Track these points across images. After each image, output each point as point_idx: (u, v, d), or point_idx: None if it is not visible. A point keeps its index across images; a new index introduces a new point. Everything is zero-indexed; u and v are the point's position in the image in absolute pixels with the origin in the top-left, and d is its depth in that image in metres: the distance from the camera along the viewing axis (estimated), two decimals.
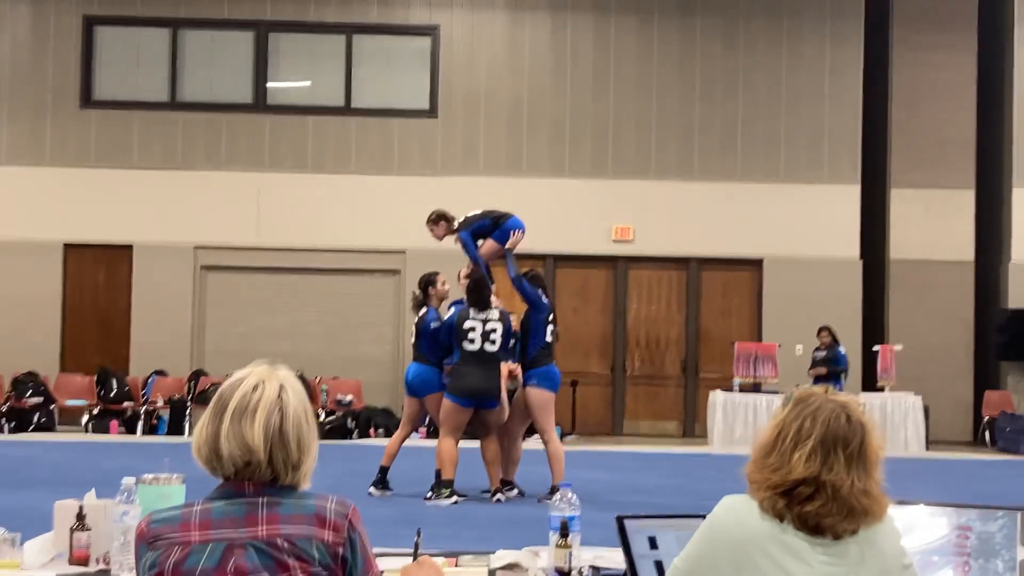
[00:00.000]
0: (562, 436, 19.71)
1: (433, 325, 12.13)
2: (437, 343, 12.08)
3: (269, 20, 22.09)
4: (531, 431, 13.39)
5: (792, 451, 3.32)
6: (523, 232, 12.62)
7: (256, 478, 3.17)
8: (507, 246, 12.58)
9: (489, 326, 11.88)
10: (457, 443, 11.89)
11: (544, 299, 12.33)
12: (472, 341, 11.83)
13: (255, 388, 3.20)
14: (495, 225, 12.61)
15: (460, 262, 12.83)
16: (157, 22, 22.09)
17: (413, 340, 12.39)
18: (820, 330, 20.40)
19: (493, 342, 11.86)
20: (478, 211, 12.86)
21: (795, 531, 3.29)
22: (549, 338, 12.26)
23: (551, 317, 12.34)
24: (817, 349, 20.42)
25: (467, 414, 11.89)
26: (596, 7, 22.13)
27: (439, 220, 12.72)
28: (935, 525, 4.06)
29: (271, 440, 3.15)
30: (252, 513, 3.14)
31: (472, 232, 12.57)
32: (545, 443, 12.12)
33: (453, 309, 12.16)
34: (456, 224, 12.67)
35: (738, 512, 3.37)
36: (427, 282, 12.42)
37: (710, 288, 22.33)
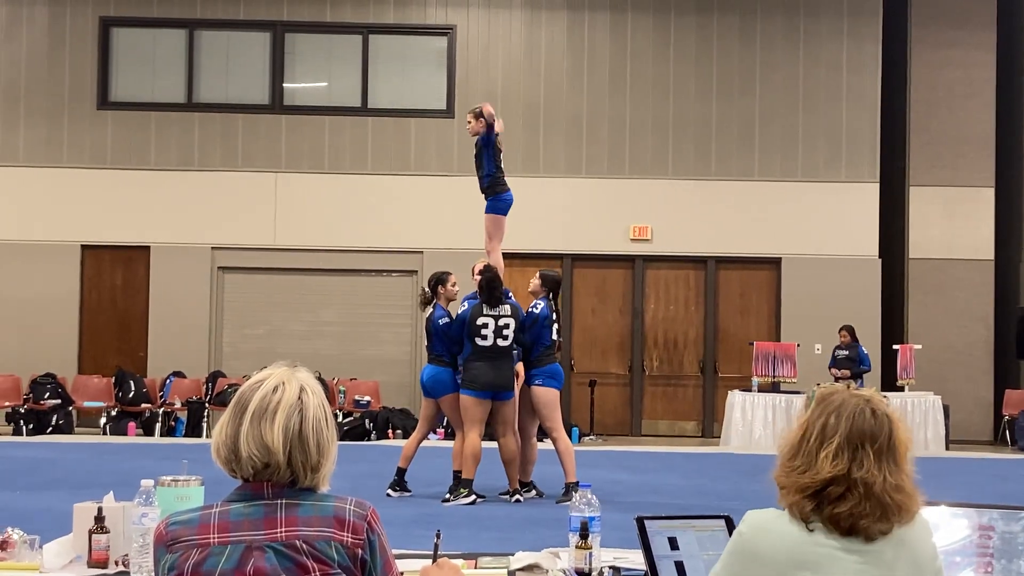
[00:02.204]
0: (580, 436, 19.81)
1: (442, 322, 12.14)
2: (449, 339, 12.08)
3: (285, 21, 22.12)
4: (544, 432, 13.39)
5: (818, 450, 3.25)
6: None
7: (275, 480, 3.16)
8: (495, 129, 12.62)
9: (502, 322, 11.93)
10: (481, 436, 11.90)
11: (549, 306, 12.32)
12: (485, 337, 11.86)
13: (275, 390, 3.19)
14: (495, 179, 12.54)
15: (478, 261, 12.82)
16: (173, 23, 22.13)
17: (426, 343, 12.41)
18: (841, 329, 20.33)
19: (505, 337, 11.92)
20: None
21: (826, 537, 3.23)
22: (554, 337, 12.29)
23: (555, 317, 12.35)
24: (838, 348, 20.34)
25: (487, 406, 11.92)
26: (613, 6, 22.11)
27: (481, 117, 12.63)
28: (957, 525, 4.03)
29: (290, 442, 3.14)
30: (271, 515, 3.13)
31: (489, 146, 12.50)
32: (554, 440, 12.16)
33: (466, 304, 12.15)
34: (493, 134, 12.58)
35: (764, 528, 3.29)
36: (438, 280, 12.44)
37: (728, 287, 22.29)
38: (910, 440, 3.33)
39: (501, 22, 22.16)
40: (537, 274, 12.62)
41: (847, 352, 20.18)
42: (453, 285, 12.46)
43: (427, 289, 12.49)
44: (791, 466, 3.28)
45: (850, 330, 20.30)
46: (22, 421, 19.79)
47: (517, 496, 11.91)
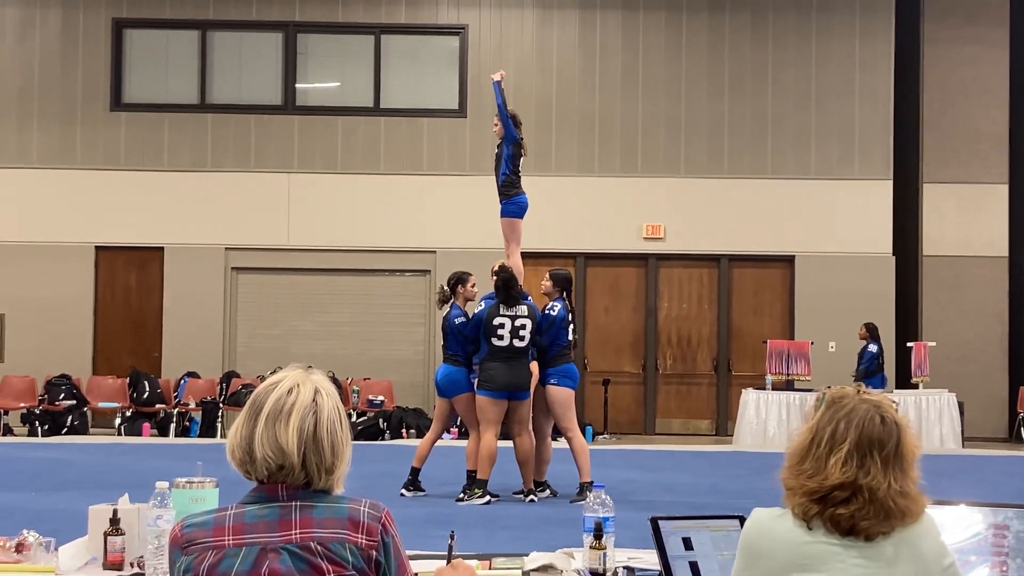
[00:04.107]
0: (594, 435, 19.79)
1: (458, 321, 12.13)
2: (464, 338, 12.08)
3: (298, 21, 22.14)
4: (559, 431, 13.38)
5: (828, 456, 3.28)
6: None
7: (290, 482, 3.17)
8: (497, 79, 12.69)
9: (519, 322, 11.90)
10: (497, 436, 11.89)
11: (567, 309, 12.33)
12: (501, 338, 11.84)
13: (290, 392, 3.20)
14: (509, 181, 12.53)
15: (491, 261, 12.83)
16: (186, 24, 22.16)
17: (442, 342, 12.41)
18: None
19: (522, 338, 11.89)
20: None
21: (826, 535, 3.25)
22: (570, 337, 12.29)
23: (571, 318, 12.35)
24: None
25: (503, 406, 11.90)
26: (624, 4, 22.09)
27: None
28: (971, 524, 4.02)
29: (305, 444, 3.15)
30: (285, 517, 3.14)
31: (508, 145, 12.50)
32: (568, 440, 12.15)
33: (483, 304, 12.14)
34: (516, 135, 12.59)
35: (765, 527, 3.34)
36: (458, 280, 12.43)
37: (741, 285, 22.26)
38: (918, 447, 3.36)
39: (513, 21, 22.15)
40: (547, 275, 12.61)
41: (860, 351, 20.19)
42: (472, 286, 12.45)
43: (446, 288, 12.46)
44: (799, 469, 3.31)
45: (866, 326, 20.25)
46: (37, 422, 19.84)
47: (531, 496, 11.90)
